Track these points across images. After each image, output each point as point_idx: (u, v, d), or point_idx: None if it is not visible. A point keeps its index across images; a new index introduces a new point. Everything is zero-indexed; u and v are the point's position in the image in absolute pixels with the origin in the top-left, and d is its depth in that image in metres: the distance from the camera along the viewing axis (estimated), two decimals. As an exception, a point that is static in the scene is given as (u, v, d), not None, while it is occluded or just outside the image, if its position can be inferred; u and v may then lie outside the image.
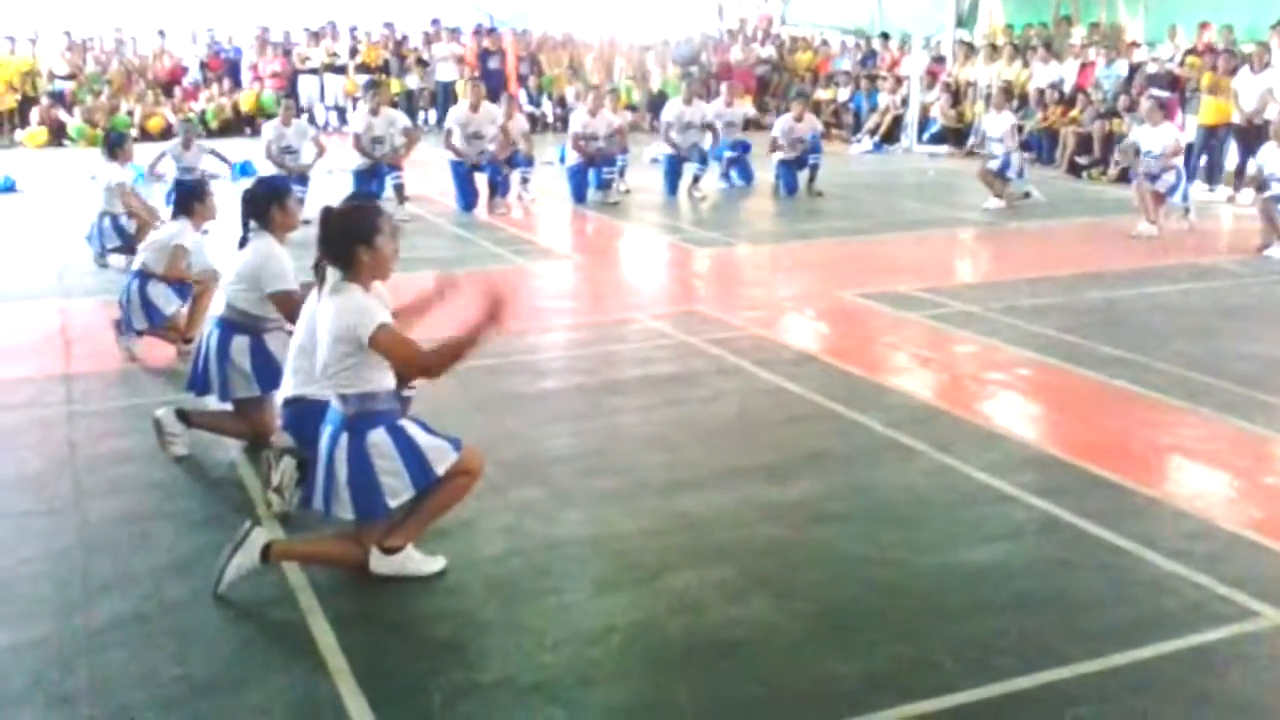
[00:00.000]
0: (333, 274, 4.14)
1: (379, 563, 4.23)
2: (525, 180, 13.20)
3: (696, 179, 13.61)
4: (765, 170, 14.41)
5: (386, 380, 4.13)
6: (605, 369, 7.06)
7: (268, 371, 5.37)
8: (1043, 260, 10.11)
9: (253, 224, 5.44)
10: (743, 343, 7.41)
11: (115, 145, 9.97)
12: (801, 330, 8.01)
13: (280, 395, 4.99)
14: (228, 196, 7.11)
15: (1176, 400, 6.26)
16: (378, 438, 4.08)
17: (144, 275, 6.98)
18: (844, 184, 14.46)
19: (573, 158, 13.43)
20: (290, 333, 5.10)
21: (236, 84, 21.28)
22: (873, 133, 18.94)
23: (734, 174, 14.39)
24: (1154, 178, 10.98)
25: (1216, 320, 8.04)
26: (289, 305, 5.22)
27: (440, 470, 4.14)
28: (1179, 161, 11.21)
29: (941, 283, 9.13)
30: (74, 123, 19.34)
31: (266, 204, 5.44)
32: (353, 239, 4.08)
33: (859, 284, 8.99)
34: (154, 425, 5.47)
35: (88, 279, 9.37)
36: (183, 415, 5.50)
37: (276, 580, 4.23)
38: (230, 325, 5.47)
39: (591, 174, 13.28)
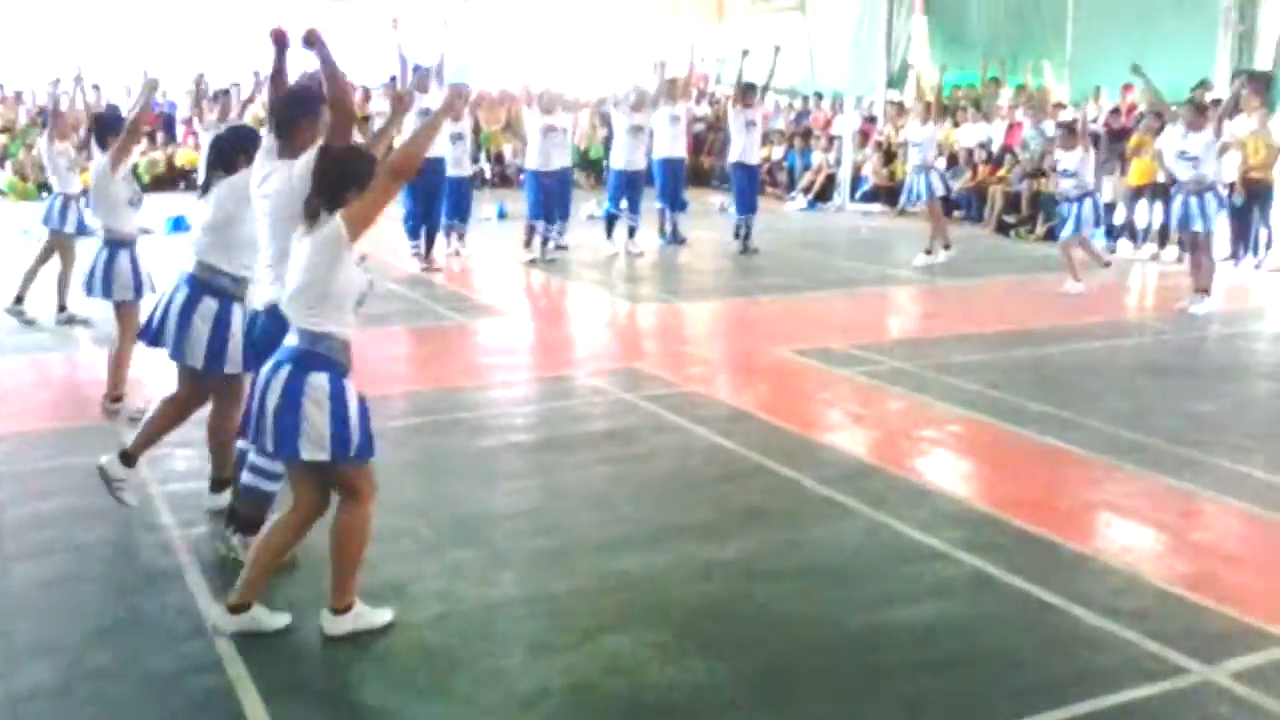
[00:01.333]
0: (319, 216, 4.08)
1: (334, 625, 4.19)
2: (460, 235, 13.20)
3: (632, 231, 13.65)
4: (701, 229, 14.54)
5: (346, 329, 4.10)
6: (542, 427, 7.06)
7: (221, 348, 5.18)
8: (972, 318, 10.28)
9: (218, 173, 5.29)
10: (679, 400, 7.43)
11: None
12: (738, 387, 8.06)
13: (259, 301, 4.78)
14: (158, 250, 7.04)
15: (1104, 456, 6.36)
16: (319, 381, 4.01)
17: (111, 244, 6.93)
18: (779, 241, 14.63)
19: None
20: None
21: (171, 138, 21.12)
22: (806, 191, 19.20)
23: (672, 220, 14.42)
24: (1072, 202, 11.29)
25: (1142, 377, 8.21)
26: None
27: (351, 453, 4.06)
28: (1090, 182, 11.43)
29: (874, 340, 9.25)
30: (5, 176, 19.07)
31: (233, 154, 5.27)
32: (350, 182, 4.07)
33: (794, 341, 9.07)
34: (100, 476, 5.30)
35: (13, 337, 9.20)
36: (125, 457, 5.35)
37: (204, 648, 4.15)
38: (199, 284, 5.27)
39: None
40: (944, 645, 4.28)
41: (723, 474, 6.11)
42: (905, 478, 6.04)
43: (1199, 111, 10.56)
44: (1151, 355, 8.93)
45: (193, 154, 20.41)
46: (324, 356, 4.06)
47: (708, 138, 22.25)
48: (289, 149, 4.69)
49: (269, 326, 4.52)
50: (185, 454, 6.20)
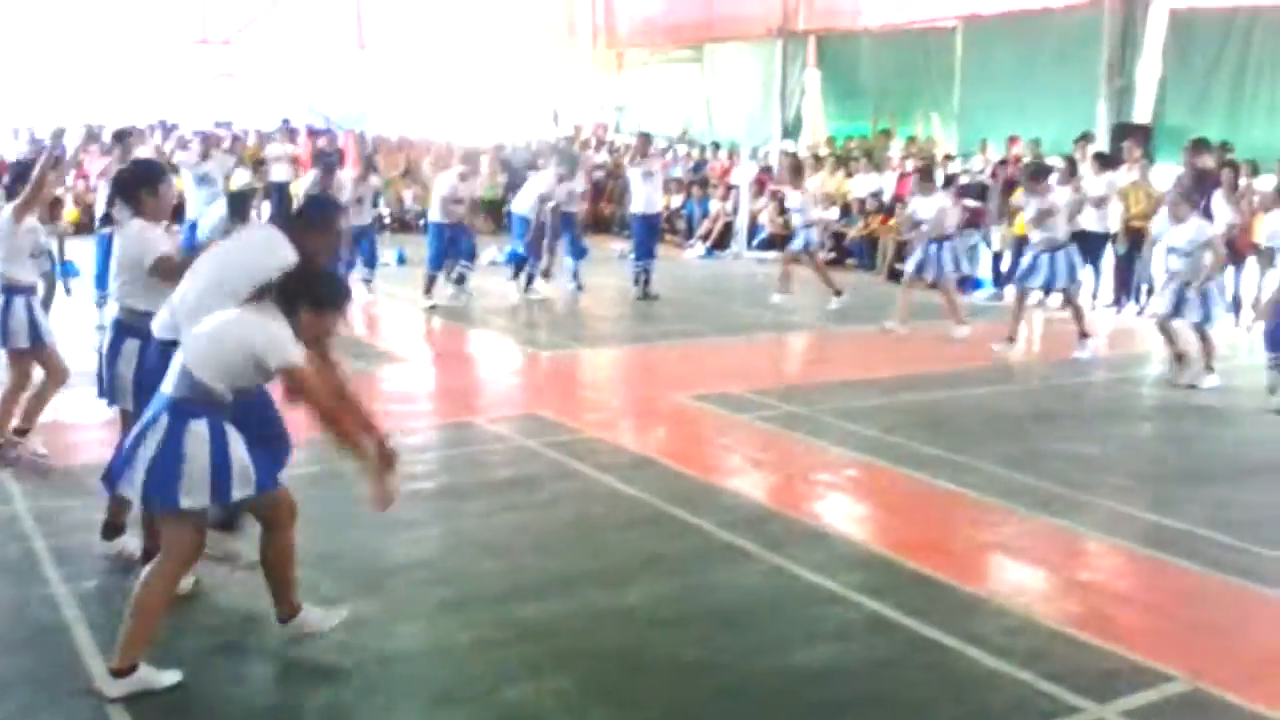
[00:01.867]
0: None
1: (112, 688, 4.05)
2: (369, 283, 13.12)
3: (530, 279, 13.66)
4: (601, 275, 14.61)
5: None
6: (443, 474, 7.01)
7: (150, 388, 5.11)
8: (865, 363, 10.48)
9: (119, 207, 5.22)
10: (581, 446, 7.45)
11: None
12: (639, 433, 8.10)
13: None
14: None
15: (996, 499, 6.52)
16: (199, 429, 3.98)
17: (8, 291, 6.79)
18: (678, 288, 14.75)
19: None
20: None
21: (62, 184, 20.63)
22: (705, 238, 19.41)
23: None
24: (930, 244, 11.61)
25: (1029, 421, 8.43)
26: (170, 267, 5.05)
27: (236, 496, 4.05)
28: (949, 228, 11.77)
29: (771, 384, 9.37)
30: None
31: (136, 187, 5.21)
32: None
33: (694, 386, 9.15)
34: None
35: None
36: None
37: (93, 706, 4.04)
38: (121, 327, 5.25)
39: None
40: (844, 688, 4.34)
41: (624, 520, 6.13)
42: (804, 521, 6.12)
43: (1034, 177, 10.93)
44: (1039, 400, 9.19)
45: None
46: (202, 402, 4.03)
47: (607, 185, 22.40)
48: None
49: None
50: (72, 505, 6.04)
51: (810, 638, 4.75)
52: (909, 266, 11.93)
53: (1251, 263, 12.17)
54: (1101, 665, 4.49)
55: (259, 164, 21.58)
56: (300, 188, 19.93)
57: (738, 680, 4.38)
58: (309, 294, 4.13)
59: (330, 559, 5.43)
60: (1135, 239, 13.19)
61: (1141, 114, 16.10)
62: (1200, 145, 13.52)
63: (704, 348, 11.24)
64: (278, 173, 21.21)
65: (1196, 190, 13.02)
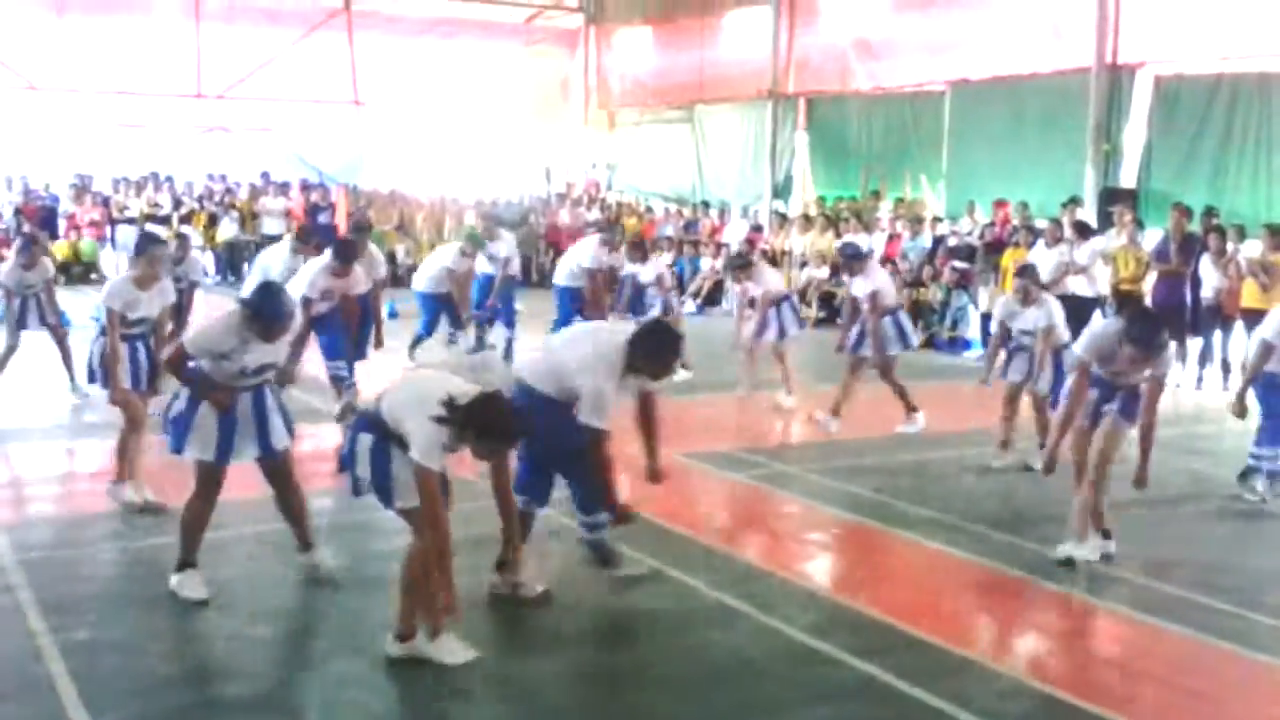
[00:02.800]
0: None
1: (391, 647, 4.87)
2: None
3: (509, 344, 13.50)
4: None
5: None
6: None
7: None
8: (856, 422, 10.47)
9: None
10: (565, 504, 7.39)
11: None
12: (629, 491, 8.04)
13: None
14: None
15: (986, 560, 6.52)
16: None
17: None
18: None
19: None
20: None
21: (53, 233, 20.68)
22: (695, 295, 19.50)
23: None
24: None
25: (1019, 481, 8.43)
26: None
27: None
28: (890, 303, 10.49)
29: (762, 443, 9.38)
30: None
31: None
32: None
33: (685, 445, 9.12)
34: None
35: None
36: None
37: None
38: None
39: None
40: (835, 750, 4.32)
41: (613, 579, 6.10)
42: (794, 581, 6.10)
43: (854, 258, 10.20)
44: (1026, 459, 9.17)
45: (65, 247, 20.02)
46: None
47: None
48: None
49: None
50: (63, 557, 6.01)
51: (802, 699, 4.72)
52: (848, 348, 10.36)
53: (1239, 328, 12.25)
54: (1094, 730, 4.47)
55: (252, 217, 21.74)
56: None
57: (729, 742, 4.35)
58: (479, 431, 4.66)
59: (320, 618, 5.40)
60: (1124, 302, 13.27)
61: (1128, 179, 16.29)
62: (1185, 209, 13.70)
63: (695, 404, 11.24)
64: (269, 226, 21.34)
65: (1182, 254, 13.21)
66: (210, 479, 5.54)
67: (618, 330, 5.56)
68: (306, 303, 8.22)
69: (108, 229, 20.69)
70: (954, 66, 18.53)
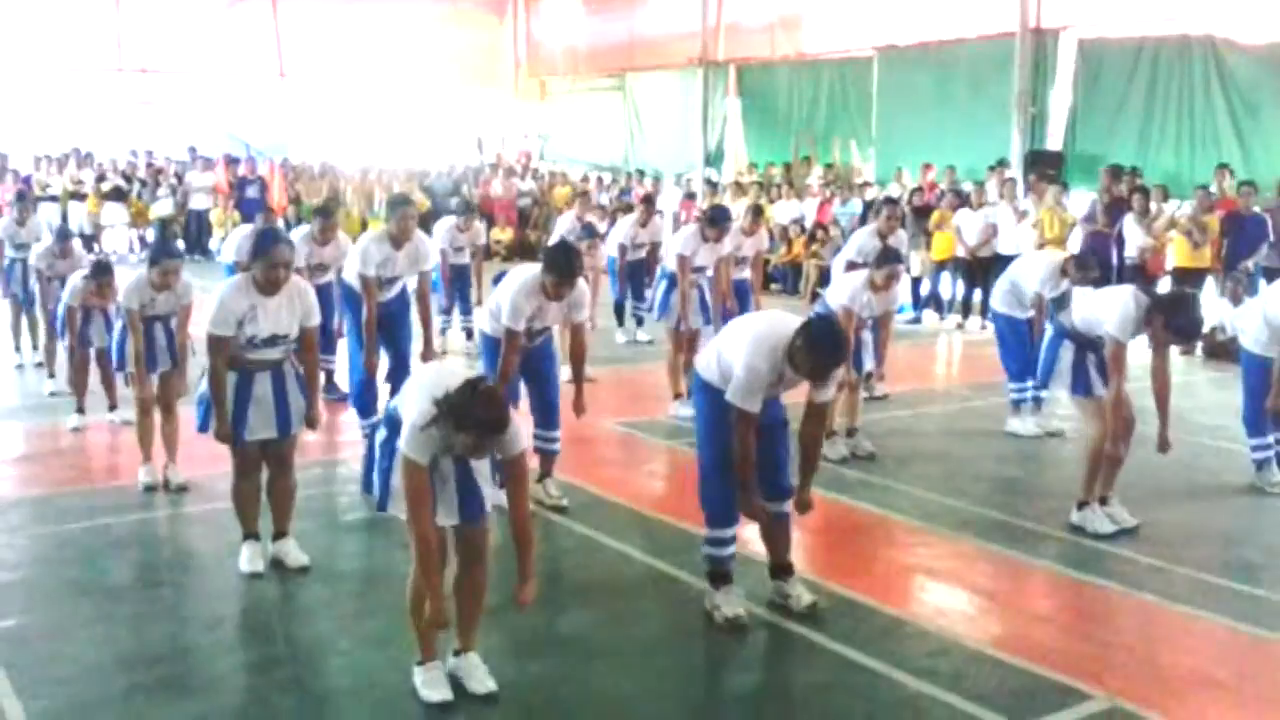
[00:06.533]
0: None
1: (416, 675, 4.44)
2: None
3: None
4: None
5: None
6: (366, 505, 6.92)
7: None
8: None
9: None
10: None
11: None
12: (567, 461, 8.04)
13: None
14: None
15: (916, 521, 6.61)
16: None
17: None
18: (602, 315, 14.69)
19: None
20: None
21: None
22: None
23: None
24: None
25: (950, 443, 8.56)
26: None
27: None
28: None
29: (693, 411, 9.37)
30: None
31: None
32: None
33: (621, 413, 9.17)
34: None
35: None
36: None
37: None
38: None
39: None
40: (773, 713, 4.38)
41: (552, 549, 6.12)
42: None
43: (712, 223, 9.18)
44: (957, 422, 9.32)
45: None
46: None
47: (532, 213, 22.42)
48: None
49: None
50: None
51: (739, 663, 4.78)
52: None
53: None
54: (1023, 685, 4.56)
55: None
56: (218, 216, 19.79)
57: (669, 708, 4.39)
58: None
59: (258, 602, 5.35)
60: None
61: (1054, 141, 16.51)
62: (1115, 171, 13.92)
63: (630, 374, 11.26)
64: (198, 201, 20.99)
65: (1108, 214, 13.43)
66: (238, 457, 5.58)
67: (790, 320, 5.15)
68: (365, 281, 7.53)
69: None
70: (881, 33, 18.64)
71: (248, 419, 5.47)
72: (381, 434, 4.40)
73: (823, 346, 4.83)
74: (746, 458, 4.95)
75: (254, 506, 5.68)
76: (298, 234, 9.21)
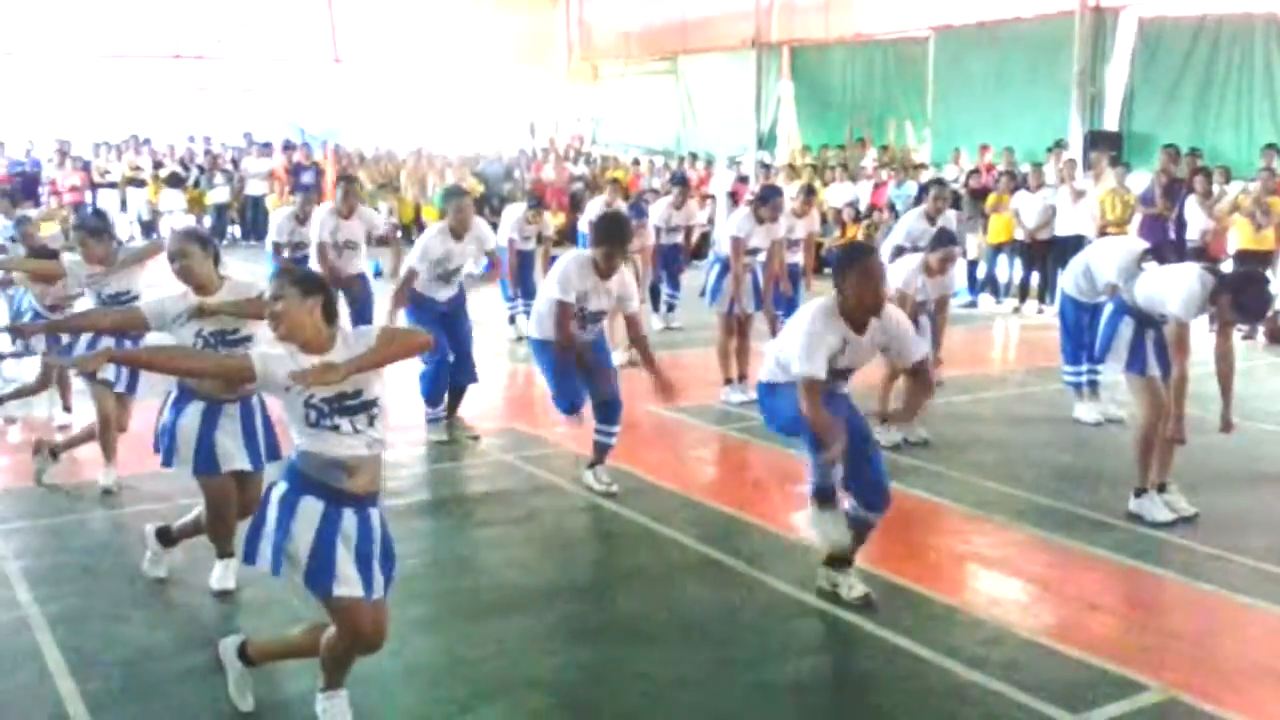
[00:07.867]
0: None
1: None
2: None
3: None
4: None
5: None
6: (417, 490, 6.97)
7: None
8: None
9: None
10: (556, 460, 7.43)
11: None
12: (616, 446, 8.05)
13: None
14: None
15: (971, 508, 6.53)
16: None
17: None
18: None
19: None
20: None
21: (35, 200, 20.49)
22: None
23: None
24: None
25: (1006, 429, 8.45)
26: None
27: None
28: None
29: (745, 395, 9.32)
30: None
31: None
32: None
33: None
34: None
35: None
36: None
37: (62, 731, 4.00)
38: None
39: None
40: (820, 702, 4.34)
41: (600, 534, 6.12)
42: (778, 533, 6.10)
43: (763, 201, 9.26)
44: (1013, 408, 9.20)
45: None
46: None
47: (584, 197, 22.39)
48: None
49: None
50: (40, 525, 5.99)
51: (790, 651, 4.73)
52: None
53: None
54: (1077, 676, 4.48)
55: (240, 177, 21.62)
56: (274, 202, 19.92)
57: (718, 697, 4.36)
58: None
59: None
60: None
61: (1111, 121, 16.23)
62: (1174, 153, 13.66)
63: (679, 358, 11.21)
64: (253, 187, 21.20)
65: (1167, 197, 13.18)
66: (205, 490, 5.12)
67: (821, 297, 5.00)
68: (411, 274, 7.54)
69: (88, 194, 20.51)
70: (937, 12, 18.41)
71: (211, 450, 4.98)
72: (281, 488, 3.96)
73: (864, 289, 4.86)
74: (818, 420, 4.83)
75: (227, 532, 5.16)
76: (322, 210, 9.30)
